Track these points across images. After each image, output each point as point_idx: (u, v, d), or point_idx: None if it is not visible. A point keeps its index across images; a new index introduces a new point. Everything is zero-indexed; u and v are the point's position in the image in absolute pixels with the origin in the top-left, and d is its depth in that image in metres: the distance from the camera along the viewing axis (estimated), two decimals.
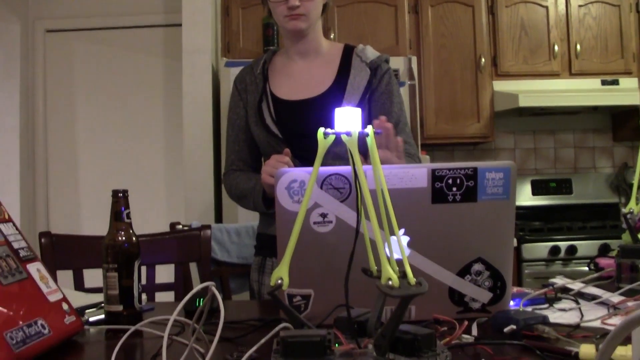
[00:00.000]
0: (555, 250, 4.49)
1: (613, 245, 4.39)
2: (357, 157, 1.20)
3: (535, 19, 5.20)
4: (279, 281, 1.24)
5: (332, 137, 1.23)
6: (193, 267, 2.83)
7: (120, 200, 1.71)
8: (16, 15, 5.50)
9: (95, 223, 5.53)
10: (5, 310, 1.33)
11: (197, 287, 1.25)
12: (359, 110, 1.22)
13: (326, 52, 2.53)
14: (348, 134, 1.21)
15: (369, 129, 1.21)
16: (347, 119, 1.21)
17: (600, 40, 5.22)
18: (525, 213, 5.24)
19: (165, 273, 2.79)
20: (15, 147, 5.45)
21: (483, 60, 5.09)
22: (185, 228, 3.07)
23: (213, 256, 3.24)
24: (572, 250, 4.48)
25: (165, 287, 2.73)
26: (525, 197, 5.38)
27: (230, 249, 3.41)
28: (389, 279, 1.10)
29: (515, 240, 4.46)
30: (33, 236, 3.05)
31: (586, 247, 4.50)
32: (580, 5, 5.22)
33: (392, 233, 1.18)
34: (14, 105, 5.47)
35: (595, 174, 5.58)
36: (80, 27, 5.78)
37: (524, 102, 4.80)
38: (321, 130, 1.24)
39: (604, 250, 4.41)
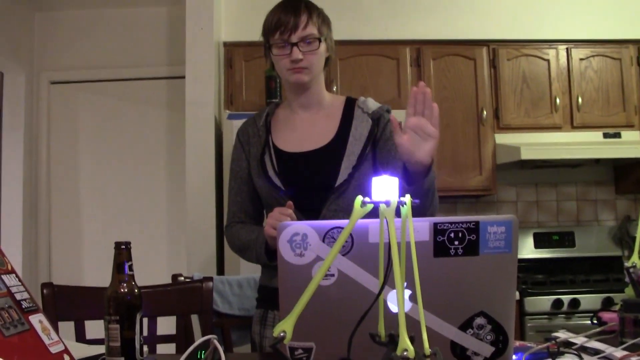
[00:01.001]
0: (558, 304, 4.46)
1: (616, 298, 4.38)
2: (393, 228, 1.19)
3: (537, 72, 5.24)
4: (282, 334, 1.24)
5: (370, 206, 1.22)
6: (194, 319, 2.82)
7: (122, 253, 1.72)
8: (21, 67, 5.56)
9: (97, 274, 5.51)
10: None
11: (199, 340, 1.25)
12: (396, 180, 1.22)
13: (328, 104, 2.55)
14: (387, 203, 1.21)
15: (407, 199, 1.22)
16: (385, 188, 1.21)
17: (602, 93, 5.26)
18: (528, 266, 5.23)
19: (166, 324, 2.79)
20: (18, 198, 5.47)
21: (485, 113, 5.12)
22: (187, 280, 3.08)
23: (214, 308, 3.24)
24: (575, 303, 4.45)
25: (166, 339, 2.72)
26: (528, 250, 5.37)
27: (232, 301, 3.41)
28: (405, 350, 1.10)
29: (517, 294, 4.45)
30: (35, 286, 3.05)
31: (589, 300, 4.47)
32: (581, 59, 5.27)
33: (414, 301, 1.17)
34: (18, 156, 5.51)
35: (598, 226, 5.58)
36: (84, 79, 5.85)
37: (525, 155, 4.81)
38: (359, 198, 1.22)
39: (607, 304, 4.40)
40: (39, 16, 5.80)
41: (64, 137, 5.80)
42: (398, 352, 1.11)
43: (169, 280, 3.10)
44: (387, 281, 1.23)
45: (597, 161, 5.22)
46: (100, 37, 5.81)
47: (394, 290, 1.19)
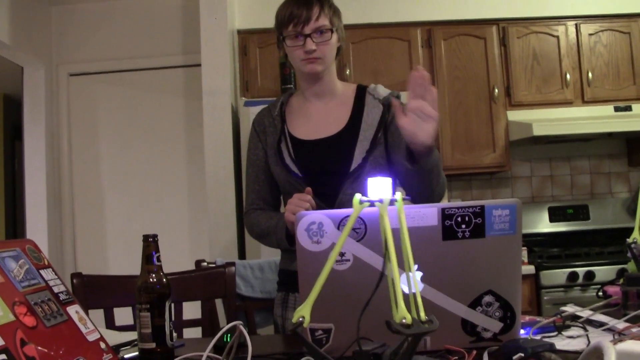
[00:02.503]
0: (573, 276, 4.52)
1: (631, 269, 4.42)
2: (387, 221, 1.31)
3: (547, 48, 5.28)
4: (301, 319, 1.33)
5: (366, 204, 1.36)
6: (219, 303, 2.91)
7: (151, 245, 1.81)
8: (40, 60, 5.62)
9: (121, 262, 5.62)
10: (49, 351, 1.43)
11: (227, 325, 1.35)
12: (389, 180, 1.34)
13: (341, 92, 2.61)
14: (380, 201, 1.33)
15: (398, 196, 1.34)
16: (379, 188, 1.34)
17: (612, 67, 5.29)
18: (543, 240, 5.29)
19: (191, 308, 2.87)
20: (42, 189, 5.55)
21: (497, 91, 5.17)
22: (211, 265, 3.15)
23: (237, 291, 3.31)
24: (590, 275, 4.51)
25: (192, 323, 2.81)
26: (543, 224, 5.43)
27: (254, 284, 3.48)
28: (403, 317, 1.20)
29: (533, 267, 4.53)
30: (62, 276, 3.14)
31: (604, 272, 4.53)
32: (590, 34, 5.30)
33: (426, 282, 1.27)
34: (41, 148, 5.58)
35: (612, 199, 5.63)
36: (102, 70, 5.91)
37: (538, 131, 4.86)
38: (357, 196, 1.36)
39: (621, 275, 4.44)
40: (55, 10, 5.86)
41: (84, 128, 5.88)
42: (397, 320, 1.21)
43: (192, 266, 3.17)
44: (383, 270, 1.33)
45: (609, 134, 5.24)
46: (116, 28, 5.87)
47: (404, 274, 1.29)
